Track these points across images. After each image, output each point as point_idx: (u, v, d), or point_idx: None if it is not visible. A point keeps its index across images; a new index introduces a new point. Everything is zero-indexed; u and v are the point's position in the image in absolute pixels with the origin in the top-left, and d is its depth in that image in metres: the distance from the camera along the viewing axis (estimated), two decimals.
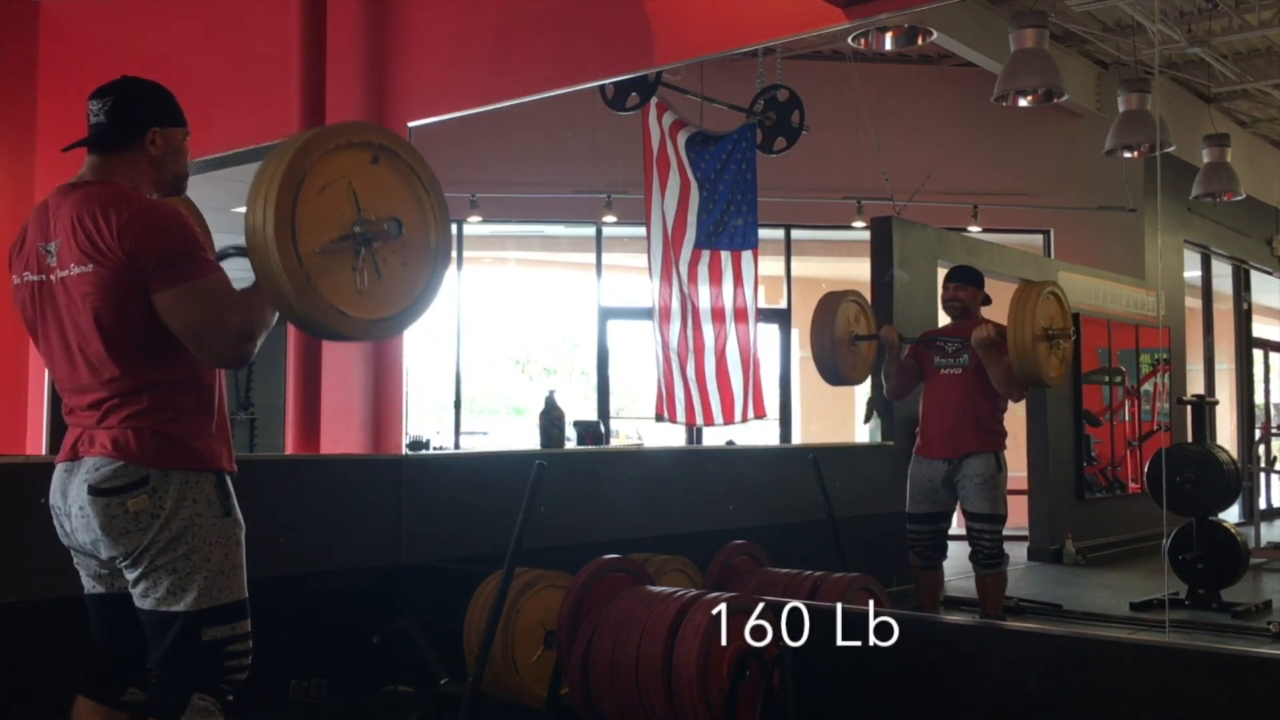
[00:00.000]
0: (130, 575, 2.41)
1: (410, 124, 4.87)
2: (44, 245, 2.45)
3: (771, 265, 7.42)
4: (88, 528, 2.38)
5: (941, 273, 5.93)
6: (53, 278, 2.43)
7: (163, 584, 2.38)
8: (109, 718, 2.53)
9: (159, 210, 2.41)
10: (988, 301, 4.92)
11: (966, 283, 4.90)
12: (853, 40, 5.58)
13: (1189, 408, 6.06)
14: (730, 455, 6.07)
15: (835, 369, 5.00)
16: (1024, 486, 6.47)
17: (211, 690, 2.42)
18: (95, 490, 2.36)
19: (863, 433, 6.45)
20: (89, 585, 2.55)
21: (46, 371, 6.30)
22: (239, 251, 2.45)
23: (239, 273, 2.47)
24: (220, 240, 2.97)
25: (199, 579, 2.39)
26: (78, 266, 2.37)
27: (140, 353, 2.39)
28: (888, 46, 5.76)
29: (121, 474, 2.35)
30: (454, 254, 7.25)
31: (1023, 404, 5.45)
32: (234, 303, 2.38)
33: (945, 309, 4.95)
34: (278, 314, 2.41)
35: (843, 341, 4.97)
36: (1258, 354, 7.36)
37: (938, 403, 4.87)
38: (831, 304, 4.99)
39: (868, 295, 5.94)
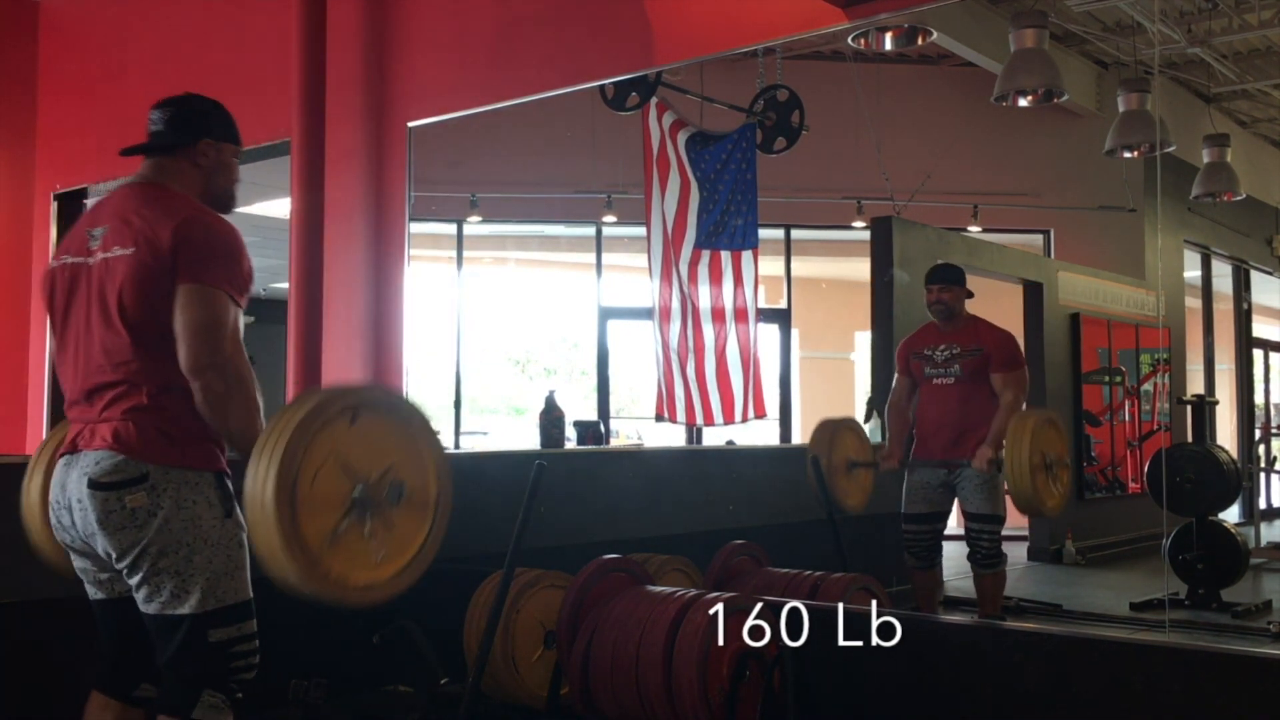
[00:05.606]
0: (132, 580, 2.41)
1: (410, 124, 4.87)
2: (90, 230, 2.50)
3: (771, 265, 7.41)
4: (85, 521, 2.39)
5: None
6: (91, 260, 2.46)
7: (166, 588, 2.38)
8: (121, 713, 2.55)
9: (220, 223, 2.48)
10: (970, 295, 4.88)
11: (950, 283, 4.84)
12: (853, 40, 5.57)
13: (1189, 408, 6.05)
14: (730, 455, 6.06)
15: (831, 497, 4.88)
16: None
17: (221, 689, 2.43)
18: (95, 484, 2.36)
19: None
20: (92, 592, 2.56)
21: (46, 371, 6.32)
22: None
23: None
24: None
25: (202, 581, 2.39)
26: (120, 249, 2.41)
27: (155, 343, 2.40)
28: (888, 46, 5.75)
29: (122, 468, 2.35)
30: (454, 254, 7.26)
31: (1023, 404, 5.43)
32: (239, 351, 2.41)
33: (931, 312, 4.89)
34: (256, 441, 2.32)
35: (839, 469, 4.89)
36: (1258, 354, 7.35)
37: (934, 413, 4.84)
38: (827, 432, 4.92)
39: (867, 295, 5.94)
